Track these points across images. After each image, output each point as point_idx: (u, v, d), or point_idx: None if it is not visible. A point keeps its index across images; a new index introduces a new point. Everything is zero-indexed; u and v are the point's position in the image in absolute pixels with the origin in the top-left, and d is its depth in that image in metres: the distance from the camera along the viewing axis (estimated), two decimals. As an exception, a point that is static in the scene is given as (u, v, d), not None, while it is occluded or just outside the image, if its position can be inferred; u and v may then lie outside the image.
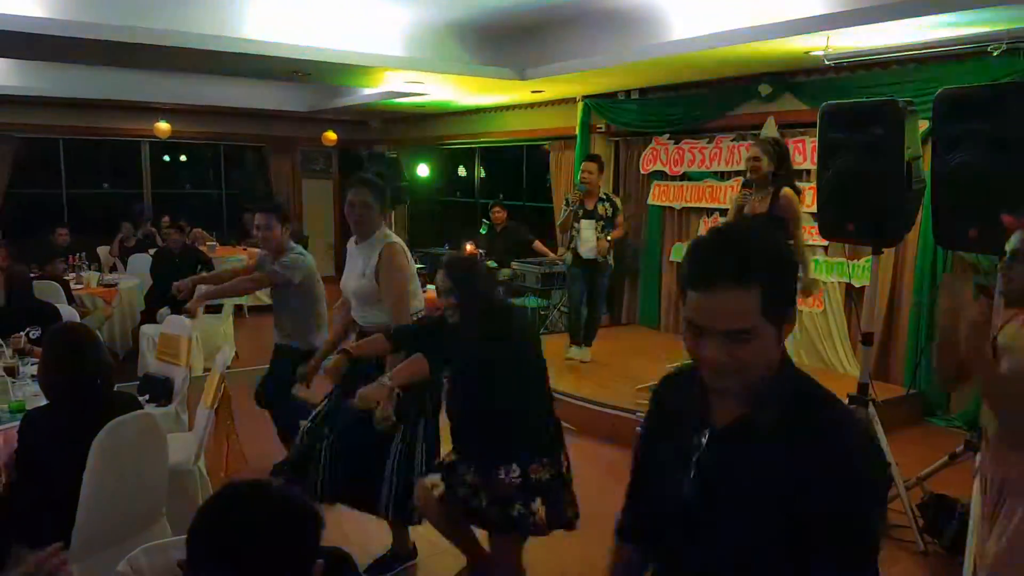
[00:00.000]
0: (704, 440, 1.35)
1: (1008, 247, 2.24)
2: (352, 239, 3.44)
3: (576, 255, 6.11)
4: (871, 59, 5.37)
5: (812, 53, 5.31)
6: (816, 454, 1.24)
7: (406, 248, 3.37)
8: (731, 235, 1.33)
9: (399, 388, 2.63)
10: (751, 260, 1.23)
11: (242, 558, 1.21)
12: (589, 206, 6.00)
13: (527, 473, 2.59)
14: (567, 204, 6.12)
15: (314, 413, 3.35)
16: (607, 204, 6.01)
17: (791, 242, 4.65)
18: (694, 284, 1.25)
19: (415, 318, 3.29)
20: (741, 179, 5.33)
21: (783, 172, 4.70)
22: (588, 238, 5.98)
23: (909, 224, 3.89)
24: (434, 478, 2.77)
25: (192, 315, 4.49)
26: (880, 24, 4.46)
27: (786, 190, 4.62)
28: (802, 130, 6.22)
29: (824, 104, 3.95)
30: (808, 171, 6.17)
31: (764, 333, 1.23)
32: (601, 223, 5.96)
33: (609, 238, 5.95)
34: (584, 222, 6.00)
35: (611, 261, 6.13)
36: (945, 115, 3.40)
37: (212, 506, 1.28)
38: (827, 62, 5.28)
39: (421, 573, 3.42)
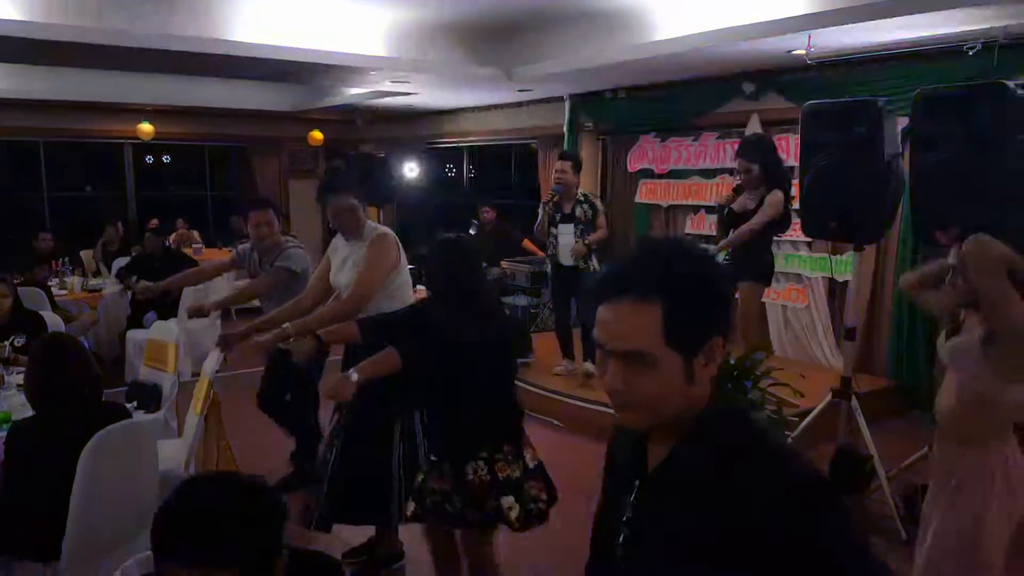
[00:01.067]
0: (634, 493, 1.18)
1: (949, 262, 2.35)
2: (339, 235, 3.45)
3: (556, 263, 5.69)
4: (852, 57, 5.42)
5: (794, 52, 5.36)
6: (752, 502, 1.03)
7: (398, 241, 3.36)
8: (647, 246, 1.17)
9: (365, 381, 2.58)
10: (655, 272, 1.08)
11: (205, 545, 1.20)
12: (566, 209, 5.55)
13: (494, 472, 2.59)
14: (542, 208, 5.71)
15: (329, 430, 3.36)
16: (585, 206, 5.54)
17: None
18: (597, 295, 1.12)
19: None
20: (726, 176, 5.34)
21: (774, 170, 4.72)
22: (566, 244, 5.54)
23: (890, 220, 3.95)
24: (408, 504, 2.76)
25: (192, 316, 4.46)
26: (860, 23, 4.52)
27: (774, 192, 4.63)
28: (786, 127, 6.27)
29: (806, 104, 4.00)
30: (792, 168, 6.22)
31: (667, 363, 1.07)
32: (580, 227, 5.51)
33: (587, 241, 5.50)
34: (562, 227, 5.57)
35: (595, 265, 5.58)
36: (923, 114, 3.45)
37: (177, 495, 1.28)
38: (809, 61, 5.33)
39: (411, 573, 3.44)
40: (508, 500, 2.60)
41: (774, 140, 5.26)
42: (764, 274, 4.85)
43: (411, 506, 2.75)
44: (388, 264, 3.27)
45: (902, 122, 3.93)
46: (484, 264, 7.57)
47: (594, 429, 5.10)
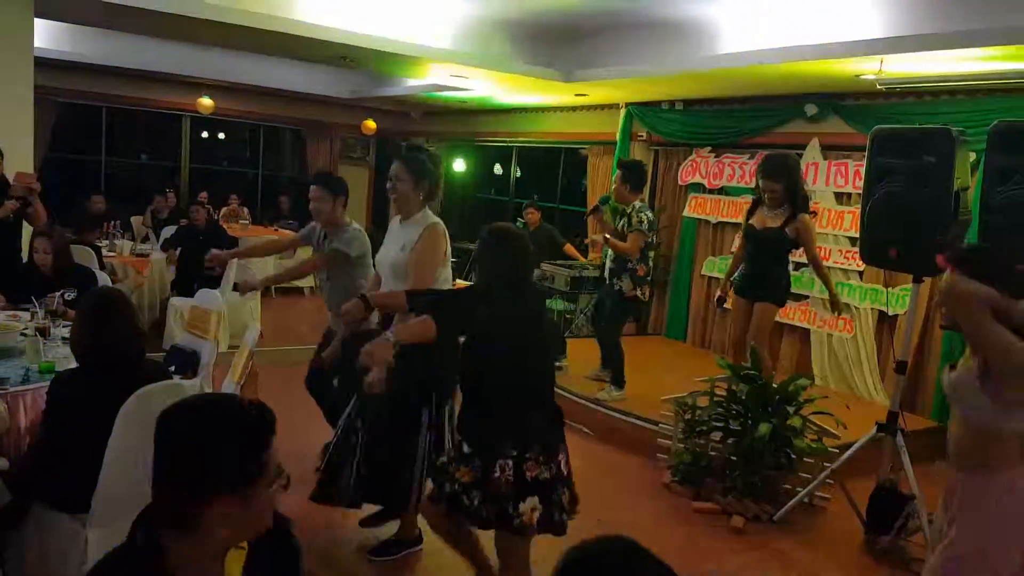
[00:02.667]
0: None
1: (940, 286, 2.34)
2: (397, 217, 3.44)
3: (602, 271, 5.67)
4: (922, 87, 5.29)
5: (863, 77, 5.24)
6: None
7: (447, 233, 3.35)
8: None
9: (401, 345, 2.52)
10: None
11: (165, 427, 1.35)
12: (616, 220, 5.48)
13: (522, 471, 2.54)
14: (597, 207, 5.59)
15: (347, 410, 3.34)
16: (625, 219, 5.35)
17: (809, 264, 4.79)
18: None
19: None
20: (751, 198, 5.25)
21: (797, 189, 4.73)
22: (608, 253, 5.56)
23: (953, 255, 3.81)
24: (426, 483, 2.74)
25: (245, 292, 4.46)
26: (936, 52, 4.41)
27: (804, 217, 4.69)
28: (845, 153, 6.15)
29: (875, 128, 3.89)
30: (849, 195, 6.10)
31: None
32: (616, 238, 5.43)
33: (595, 236, 5.43)
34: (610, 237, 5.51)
35: (625, 285, 5.36)
36: (998, 147, 3.34)
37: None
38: (880, 87, 5.20)
39: (427, 559, 3.42)
40: (532, 501, 2.54)
41: (799, 160, 5.13)
42: (782, 296, 4.97)
43: (428, 485, 2.75)
44: (440, 255, 3.28)
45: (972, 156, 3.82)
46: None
47: (623, 440, 5.04)
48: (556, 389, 5.40)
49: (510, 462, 2.56)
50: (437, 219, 3.36)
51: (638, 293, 5.42)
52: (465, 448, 2.69)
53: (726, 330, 7.29)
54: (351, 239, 3.88)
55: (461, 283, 7.13)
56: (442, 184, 3.41)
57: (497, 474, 2.55)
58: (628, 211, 5.34)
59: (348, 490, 3.20)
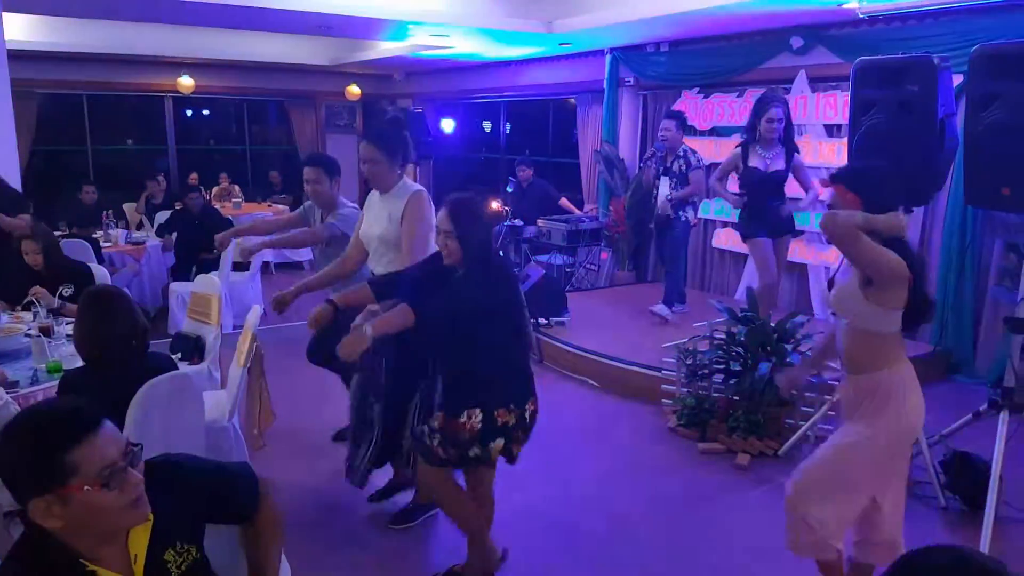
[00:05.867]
0: None
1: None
2: (374, 190, 3.44)
3: (655, 213, 6.09)
4: (905, 11, 5.22)
5: (845, 5, 5.17)
6: None
7: (430, 199, 3.36)
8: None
9: (379, 336, 2.59)
10: None
11: None
12: (668, 163, 6.00)
13: (493, 418, 2.65)
14: (643, 164, 6.29)
15: (352, 388, 3.38)
16: (681, 161, 5.95)
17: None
18: None
19: None
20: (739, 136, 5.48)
21: (791, 126, 5.15)
22: (663, 194, 5.99)
23: (940, 182, 3.83)
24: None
25: (246, 257, 4.47)
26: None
27: (800, 159, 5.17)
28: (834, 84, 6.09)
29: (857, 60, 3.85)
30: (839, 126, 6.07)
31: None
32: (674, 180, 5.95)
33: (670, 197, 5.93)
34: (662, 179, 6.00)
35: (689, 216, 6.03)
36: (980, 72, 3.31)
37: None
38: (861, 15, 5.13)
39: (445, 523, 3.44)
40: (499, 442, 2.68)
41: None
42: (794, 227, 5.37)
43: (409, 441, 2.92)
44: (430, 222, 3.25)
45: (957, 80, 3.79)
46: (522, 222, 7.68)
47: (628, 389, 5.11)
48: (559, 344, 5.53)
49: (479, 410, 2.64)
50: (418, 187, 3.36)
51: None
52: (437, 398, 2.77)
53: (724, 273, 7.34)
54: (342, 216, 3.89)
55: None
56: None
57: (463, 419, 2.64)
58: (681, 154, 5.96)
59: (360, 469, 3.25)
